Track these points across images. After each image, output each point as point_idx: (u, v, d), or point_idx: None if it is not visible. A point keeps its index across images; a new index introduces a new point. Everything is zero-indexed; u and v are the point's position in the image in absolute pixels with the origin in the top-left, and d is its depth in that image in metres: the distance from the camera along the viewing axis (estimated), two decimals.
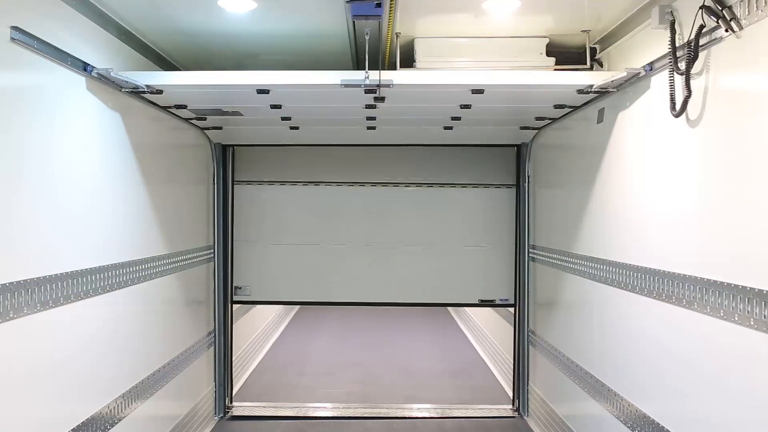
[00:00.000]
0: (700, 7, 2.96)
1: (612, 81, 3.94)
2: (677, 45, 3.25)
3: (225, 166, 6.56)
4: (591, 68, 4.53)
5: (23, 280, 2.95)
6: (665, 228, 3.47)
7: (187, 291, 5.61)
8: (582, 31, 4.37)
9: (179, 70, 5.16)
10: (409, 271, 6.80)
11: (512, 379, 6.80)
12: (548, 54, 4.50)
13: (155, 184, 4.72)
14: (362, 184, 6.83)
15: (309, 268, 6.80)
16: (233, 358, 6.80)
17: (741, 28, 2.76)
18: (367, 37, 4.02)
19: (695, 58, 3.07)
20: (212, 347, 6.38)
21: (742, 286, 2.74)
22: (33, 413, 3.09)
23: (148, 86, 4.09)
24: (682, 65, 3.16)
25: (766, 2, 2.60)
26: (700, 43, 3.04)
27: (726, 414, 2.89)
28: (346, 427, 6.44)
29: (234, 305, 6.80)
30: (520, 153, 6.59)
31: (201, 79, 4.24)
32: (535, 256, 6.28)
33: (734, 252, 2.82)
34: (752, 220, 2.68)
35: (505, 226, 6.75)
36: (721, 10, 2.83)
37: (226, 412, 6.62)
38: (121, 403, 4.09)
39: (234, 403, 6.75)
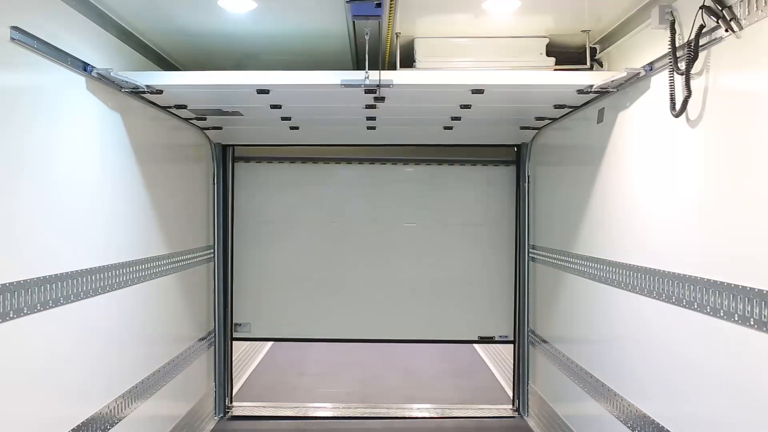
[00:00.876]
0: (700, 7, 2.96)
1: (612, 81, 3.93)
2: (677, 45, 3.25)
3: (225, 166, 6.56)
4: (591, 68, 4.52)
5: (23, 280, 2.95)
6: (665, 228, 3.47)
7: (187, 291, 5.61)
8: (582, 31, 4.37)
9: (179, 70, 5.16)
10: (409, 303, 6.81)
11: (512, 379, 6.80)
12: (548, 54, 4.50)
13: (155, 183, 4.72)
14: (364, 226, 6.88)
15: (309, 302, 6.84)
16: (233, 358, 6.80)
17: (741, 28, 2.76)
18: (367, 37, 4.02)
19: (695, 58, 3.07)
20: (212, 347, 6.38)
21: (742, 286, 2.73)
22: (33, 413, 3.09)
23: (148, 86, 4.08)
24: (682, 65, 3.16)
25: (766, 2, 2.60)
26: (700, 43, 3.04)
27: (726, 414, 2.89)
28: (346, 427, 6.44)
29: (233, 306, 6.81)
30: (520, 153, 6.59)
31: (201, 79, 4.23)
32: (535, 256, 6.28)
33: (734, 252, 2.82)
34: (752, 220, 2.68)
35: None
36: (721, 10, 2.83)
37: (226, 412, 6.62)
38: (121, 403, 4.09)
39: (234, 403, 6.75)
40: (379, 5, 3.66)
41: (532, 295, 6.38)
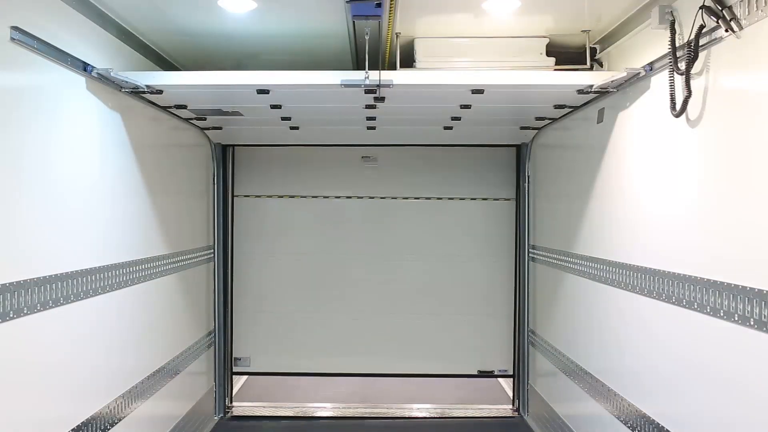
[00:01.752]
0: (700, 7, 2.96)
1: (612, 81, 3.94)
2: (677, 45, 3.25)
3: (225, 166, 6.57)
4: (591, 68, 4.52)
5: (23, 280, 2.95)
6: (665, 228, 3.47)
7: (187, 291, 5.61)
8: (582, 31, 4.37)
9: (179, 70, 5.16)
10: (402, 325, 6.82)
11: (512, 379, 6.79)
12: (548, 54, 4.50)
13: (155, 183, 4.72)
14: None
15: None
16: (233, 358, 6.80)
17: (741, 28, 2.76)
18: (367, 37, 4.02)
19: (695, 58, 3.07)
20: (212, 347, 6.38)
21: (742, 286, 2.74)
22: (33, 413, 3.09)
23: (148, 86, 4.08)
24: (682, 65, 3.16)
25: (766, 2, 2.60)
26: (700, 43, 3.04)
27: (726, 414, 2.89)
28: (346, 427, 6.44)
29: (233, 305, 6.81)
30: (520, 153, 6.59)
31: (201, 79, 4.23)
32: (535, 256, 6.27)
33: (734, 252, 2.82)
34: (752, 220, 2.68)
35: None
36: (721, 10, 2.83)
37: (226, 412, 6.62)
38: (121, 402, 4.09)
39: (234, 403, 6.75)
40: (379, 5, 3.67)
41: (532, 295, 6.38)
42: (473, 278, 6.80)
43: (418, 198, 6.83)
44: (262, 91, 4.26)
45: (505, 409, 6.76)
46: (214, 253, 6.42)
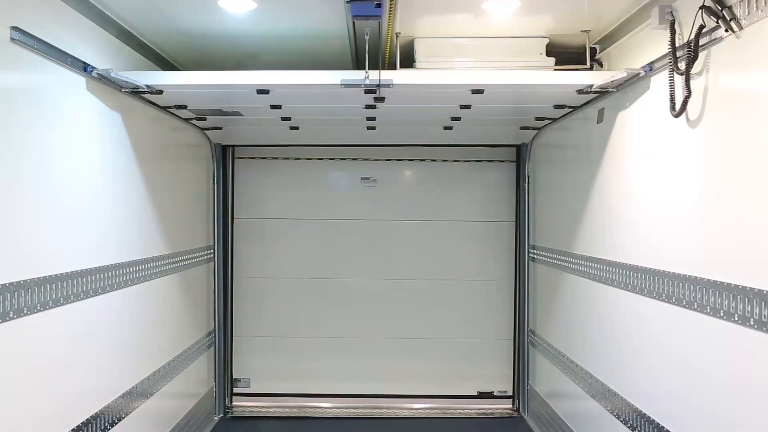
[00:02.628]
0: (700, 7, 2.96)
1: (612, 81, 3.93)
2: (677, 45, 3.25)
3: (225, 166, 6.57)
4: (591, 68, 4.52)
5: (23, 280, 2.95)
6: (665, 228, 3.47)
7: (187, 291, 5.61)
8: (582, 31, 4.37)
9: (179, 70, 5.17)
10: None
11: (512, 379, 6.80)
12: (548, 54, 4.50)
13: (155, 183, 4.72)
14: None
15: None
16: (233, 358, 6.81)
17: (741, 28, 2.76)
18: (367, 38, 4.01)
19: (695, 58, 3.07)
20: (212, 347, 6.38)
21: (742, 286, 2.74)
22: (33, 413, 3.09)
23: (148, 86, 4.07)
24: (682, 65, 3.16)
25: (766, 2, 2.60)
26: (700, 43, 3.04)
27: (726, 413, 2.89)
28: (347, 425, 6.44)
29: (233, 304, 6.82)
30: (520, 153, 6.59)
31: (201, 79, 4.22)
32: (535, 256, 6.28)
33: (734, 252, 2.82)
34: (752, 220, 2.68)
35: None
36: (721, 10, 2.83)
37: (226, 412, 6.62)
38: (122, 402, 4.09)
39: (234, 403, 6.75)
40: (379, 5, 3.66)
41: (532, 295, 6.38)
42: (473, 298, 6.79)
43: (417, 212, 6.80)
44: (262, 91, 4.25)
45: (505, 409, 6.76)
46: (214, 253, 6.42)
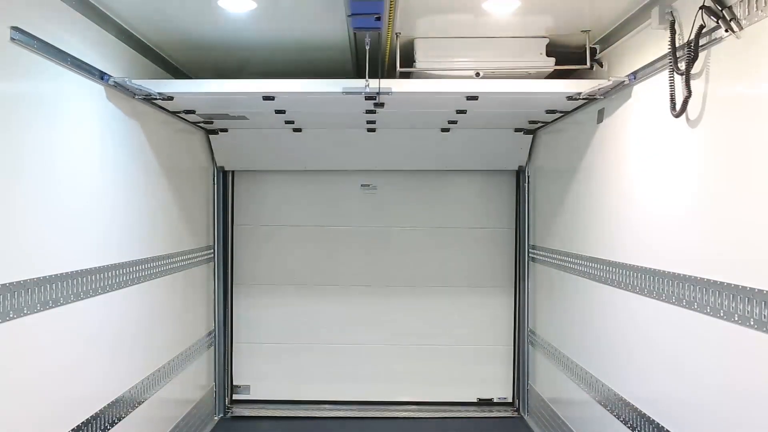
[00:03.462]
0: (700, 8, 2.96)
1: (599, 89, 4.09)
2: (677, 45, 3.25)
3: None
4: (591, 68, 4.52)
5: (23, 280, 2.95)
6: (665, 228, 3.47)
7: (187, 291, 5.61)
8: (582, 31, 4.37)
9: (179, 70, 5.21)
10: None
11: (512, 381, 6.79)
12: (548, 54, 4.50)
13: (156, 184, 4.74)
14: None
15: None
16: (233, 358, 6.81)
17: (741, 28, 2.76)
18: (367, 48, 4.16)
19: (695, 58, 3.07)
20: (212, 347, 6.38)
21: (742, 286, 2.74)
22: (33, 413, 3.09)
23: (160, 93, 4.24)
24: (682, 65, 3.16)
25: (766, 2, 2.60)
26: (700, 44, 3.04)
27: (726, 413, 2.89)
28: (347, 426, 6.44)
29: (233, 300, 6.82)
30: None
31: (211, 87, 4.43)
32: (535, 256, 6.28)
33: (734, 252, 2.82)
34: (752, 220, 2.68)
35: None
36: (721, 11, 2.83)
37: (226, 412, 6.62)
38: (122, 402, 4.09)
39: (235, 409, 6.74)
40: (378, 18, 3.80)
41: (532, 295, 6.38)
42: (473, 306, 6.79)
43: (417, 217, 6.77)
44: (268, 98, 4.45)
45: (505, 409, 6.76)
46: (214, 253, 6.42)
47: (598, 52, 4.54)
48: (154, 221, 4.74)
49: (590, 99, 4.37)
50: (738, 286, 2.76)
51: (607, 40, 4.38)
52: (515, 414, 6.66)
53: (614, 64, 4.32)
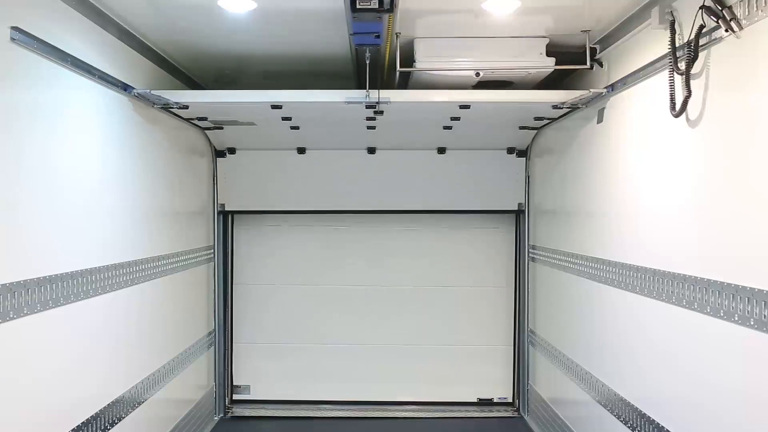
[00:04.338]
0: (700, 7, 2.96)
1: (580, 98, 4.47)
2: (677, 45, 3.25)
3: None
4: (591, 68, 4.53)
5: (23, 280, 2.95)
6: (665, 228, 3.47)
7: (188, 291, 5.61)
8: (582, 31, 4.37)
9: (181, 72, 5.30)
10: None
11: (512, 381, 6.79)
12: (548, 54, 4.50)
13: (157, 185, 4.74)
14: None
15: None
16: (233, 358, 6.81)
17: (741, 28, 2.76)
18: (367, 62, 4.45)
19: (695, 58, 3.07)
20: (212, 347, 6.38)
21: (742, 286, 2.74)
22: (33, 412, 3.09)
23: (176, 103, 4.61)
24: (682, 65, 3.16)
25: (766, 2, 2.60)
26: (700, 44, 3.04)
27: (726, 414, 2.89)
28: (347, 427, 6.44)
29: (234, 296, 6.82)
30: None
31: (224, 97, 4.86)
32: (535, 256, 6.28)
33: (734, 252, 2.82)
34: (752, 220, 2.68)
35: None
36: (721, 10, 2.83)
37: (226, 412, 6.62)
38: (121, 402, 4.09)
39: (235, 409, 6.74)
40: (378, 36, 4.14)
41: (532, 295, 6.38)
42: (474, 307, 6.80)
43: (416, 220, 6.74)
44: (276, 107, 4.81)
45: (505, 409, 6.76)
46: (214, 253, 6.42)
47: (598, 52, 4.53)
48: (155, 220, 4.75)
49: (573, 108, 4.76)
50: (738, 286, 2.76)
51: (607, 40, 4.38)
52: (515, 414, 6.66)
53: (614, 64, 4.32)
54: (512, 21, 4.21)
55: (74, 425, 3.47)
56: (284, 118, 5.28)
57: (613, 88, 4.12)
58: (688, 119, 3.20)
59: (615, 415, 4.12)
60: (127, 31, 4.18)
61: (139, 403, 4.38)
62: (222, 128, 5.91)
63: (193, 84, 5.58)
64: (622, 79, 4.07)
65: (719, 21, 2.84)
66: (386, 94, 4.53)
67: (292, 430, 6.41)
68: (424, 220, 6.76)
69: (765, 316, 2.58)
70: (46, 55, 3.16)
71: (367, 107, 4.70)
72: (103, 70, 3.77)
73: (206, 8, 3.88)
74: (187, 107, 4.79)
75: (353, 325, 6.81)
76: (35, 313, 3.04)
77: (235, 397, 6.79)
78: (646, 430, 3.66)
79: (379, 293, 6.81)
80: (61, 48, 3.30)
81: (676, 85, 3.24)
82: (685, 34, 3.20)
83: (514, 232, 6.71)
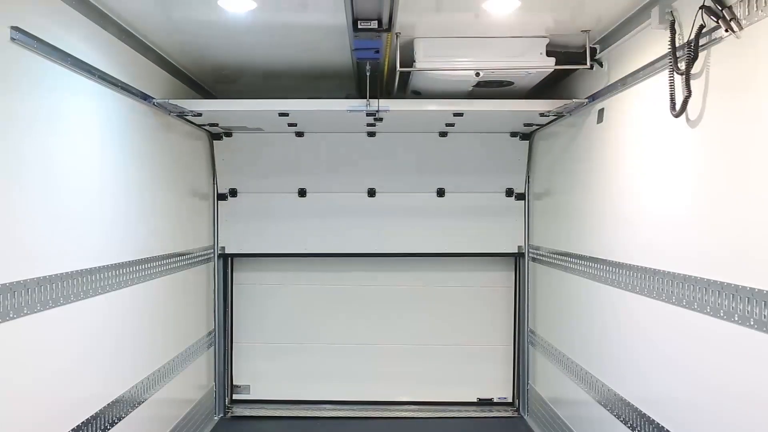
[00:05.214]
0: (700, 7, 2.96)
1: (565, 106, 4.79)
2: (677, 45, 3.25)
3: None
4: (591, 68, 4.52)
5: (24, 280, 2.95)
6: (665, 228, 3.47)
7: (188, 291, 5.61)
8: (582, 31, 4.37)
9: (184, 73, 5.35)
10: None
11: (512, 382, 6.80)
12: (548, 54, 4.50)
13: (158, 185, 4.75)
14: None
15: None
16: (233, 358, 6.80)
17: (741, 28, 2.76)
18: (367, 75, 4.75)
19: (695, 58, 3.07)
20: (212, 347, 6.38)
21: (742, 286, 2.74)
22: (33, 412, 3.09)
23: (191, 111, 4.96)
24: (682, 65, 3.16)
25: (766, 2, 2.60)
26: (700, 44, 3.04)
27: (726, 414, 2.89)
28: (347, 427, 6.44)
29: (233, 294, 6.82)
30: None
31: (236, 106, 5.17)
32: (534, 256, 6.28)
33: (734, 252, 2.82)
34: (752, 219, 2.68)
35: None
36: (721, 10, 2.83)
37: (226, 412, 6.62)
38: (122, 402, 4.09)
39: (235, 409, 6.74)
40: (377, 52, 4.48)
41: (532, 295, 6.38)
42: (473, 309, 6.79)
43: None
44: (283, 114, 5.21)
45: (505, 409, 6.76)
46: (214, 253, 6.42)
47: (598, 52, 4.53)
48: (156, 220, 4.74)
49: (558, 116, 5.10)
50: (738, 286, 2.76)
51: (607, 40, 4.38)
52: (515, 414, 6.66)
53: (614, 64, 4.32)
54: (512, 21, 4.21)
55: (74, 425, 3.47)
56: (290, 125, 5.74)
57: (593, 98, 4.41)
58: (688, 119, 3.20)
59: (615, 415, 4.13)
60: (127, 31, 4.18)
61: (139, 403, 4.38)
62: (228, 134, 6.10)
63: (192, 84, 5.58)
64: (622, 79, 4.07)
65: (719, 21, 2.84)
66: (385, 104, 4.87)
67: (292, 430, 6.41)
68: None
69: (765, 316, 2.59)
70: (46, 56, 3.16)
71: (368, 115, 5.03)
72: (103, 70, 3.78)
73: (206, 8, 3.88)
74: (200, 115, 5.14)
75: (353, 325, 6.81)
76: (35, 312, 3.04)
77: (235, 397, 6.79)
78: (646, 430, 3.66)
79: (379, 293, 6.80)
80: (62, 48, 3.30)
81: (676, 85, 3.24)
82: (685, 34, 3.20)
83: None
